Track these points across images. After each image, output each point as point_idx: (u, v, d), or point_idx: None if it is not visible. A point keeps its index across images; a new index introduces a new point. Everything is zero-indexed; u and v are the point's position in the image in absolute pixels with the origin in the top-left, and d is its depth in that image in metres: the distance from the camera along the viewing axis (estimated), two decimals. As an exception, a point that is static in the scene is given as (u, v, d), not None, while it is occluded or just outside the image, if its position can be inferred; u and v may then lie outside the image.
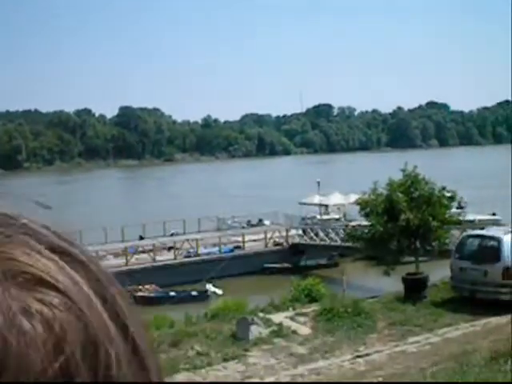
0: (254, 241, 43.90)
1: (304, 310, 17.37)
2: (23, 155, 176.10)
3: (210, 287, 37.30)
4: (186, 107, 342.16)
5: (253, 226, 49.77)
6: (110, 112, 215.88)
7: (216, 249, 42.03)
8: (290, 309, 17.80)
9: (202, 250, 41.80)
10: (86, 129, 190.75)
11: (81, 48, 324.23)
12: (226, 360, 14.28)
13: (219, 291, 37.45)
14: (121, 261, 39.95)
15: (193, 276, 38.86)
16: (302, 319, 16.78)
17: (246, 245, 42.87)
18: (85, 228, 45.98)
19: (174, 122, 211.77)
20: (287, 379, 13.55)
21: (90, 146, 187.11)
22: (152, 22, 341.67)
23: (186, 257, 41.23)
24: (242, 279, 38.56)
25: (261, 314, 17.40)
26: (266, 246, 43.34)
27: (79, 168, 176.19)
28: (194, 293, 36.70)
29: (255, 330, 15.61)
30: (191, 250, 41.57)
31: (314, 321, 16.53)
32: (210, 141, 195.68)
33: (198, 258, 40.95)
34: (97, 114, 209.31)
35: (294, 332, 15.77)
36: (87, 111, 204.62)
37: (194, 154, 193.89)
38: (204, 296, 36.45)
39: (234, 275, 39.40)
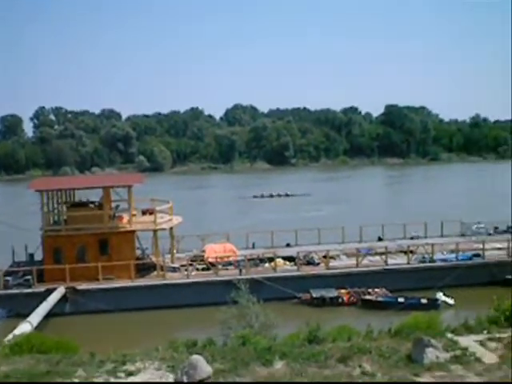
0: (499, 249, 40.68)
1: (499, 335, 15.33)
2: (291, 152, 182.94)
3: (440, 296, 35.32)
4: (453, 106, 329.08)
5: (500, 233, 46.23)
6: (376, 110, 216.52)
7: (453, 255, 39.62)
8: (485, 332, 15.86)
9: (437, 256, 39.69)
10: (351, 127, 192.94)
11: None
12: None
13: (450, 301, 35.35)
14: (353, 261, 39.44)
15: (425, 282, 37.28)
16: (493, 345, 14.76)
17: (487, 253, 39.82)
18: (325, 227, 47.13)
19: (441, 121, 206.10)
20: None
21: (355, 144, 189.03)
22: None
23: (420, 262, 39.48)
24: (478, 290, 35.82)
25: (449, 335, 15.66)
26: (511, 255, 39.75)
27: (344, 165, 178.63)
28: (423, 300, 34.99)
29: (431, 354, 14.03)
30: (426, 256, 39.66)
31: (506, 349, 14.45)
32: (477, 141, 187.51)
33: (432, 264, 39.01)
34: (363, 112, 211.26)
35: (478, 360, 13.89)
36: (353, 109, 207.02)
37: (460, 154, 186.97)
38: (434, 304, 34.49)
39: (470, 285, 36.92)
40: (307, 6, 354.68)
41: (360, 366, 14.06)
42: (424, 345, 14.18)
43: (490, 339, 15.31)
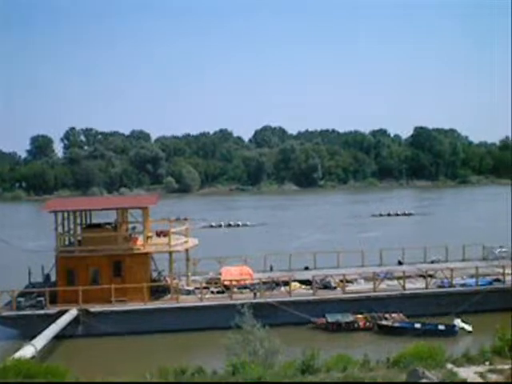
0: (521, 274, 39.54)
1: (501, 367, 14.62)
2: (319, 173, 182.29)
3: (458, 322, 34.28)
4: (483, 128, 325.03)
5: (524, 257, 45.05)
6: (405, 133, 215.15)
7: (473, 280, 38.59)
8: (487, 363, 15.15)
9: (457, 281, 38.72)
10: (380, 149, 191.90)
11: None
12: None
13: (469, 327, 34.34)
14: (370, 286, 38.63)
15: (443, 308, 36.34)
16: (493, 377, 14.10)
17: (509, 278, 38.70)
18: (347, 251, 46.54)
19: (471, 144, 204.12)
20: None
21: (384, 166, 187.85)
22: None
23: (439, 286, 38.52)
24: (498, 316, 34.60)
25: (449, 366, 15.03)
26: (533, 281, 38.61)
27: (373, 187, 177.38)
28: (440, 327, 34.07)
29: (425, 386, 13.41)
30: (445, 280, 38.73)
31: (506, 382, 13.75)
32: (507, 163, 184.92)
33: (450, 289, 37.99)
34: (392, 135, 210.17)
35: (475, 393, 13.29)
36: (382, 132, 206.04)
37: (489, 177, 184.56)
38: (451, 331, 33.69)
39: (490, 311, 35.80)
40: (339, 28, 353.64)
41: (351, 398, 13.52)
42: (418, 376, 13.57)
43: (491, 371, 14.64)
